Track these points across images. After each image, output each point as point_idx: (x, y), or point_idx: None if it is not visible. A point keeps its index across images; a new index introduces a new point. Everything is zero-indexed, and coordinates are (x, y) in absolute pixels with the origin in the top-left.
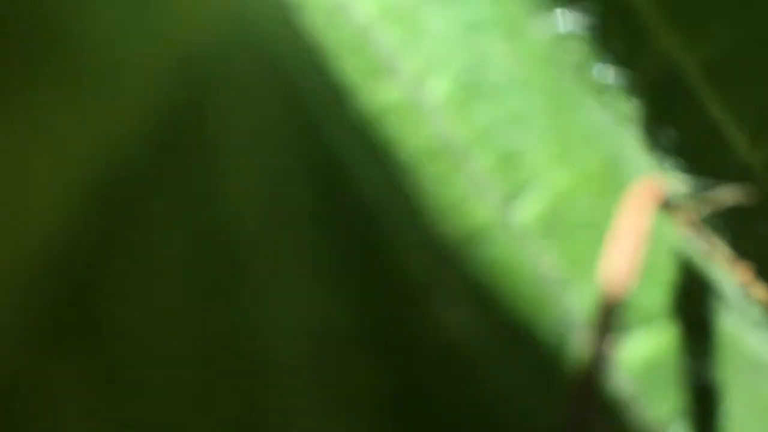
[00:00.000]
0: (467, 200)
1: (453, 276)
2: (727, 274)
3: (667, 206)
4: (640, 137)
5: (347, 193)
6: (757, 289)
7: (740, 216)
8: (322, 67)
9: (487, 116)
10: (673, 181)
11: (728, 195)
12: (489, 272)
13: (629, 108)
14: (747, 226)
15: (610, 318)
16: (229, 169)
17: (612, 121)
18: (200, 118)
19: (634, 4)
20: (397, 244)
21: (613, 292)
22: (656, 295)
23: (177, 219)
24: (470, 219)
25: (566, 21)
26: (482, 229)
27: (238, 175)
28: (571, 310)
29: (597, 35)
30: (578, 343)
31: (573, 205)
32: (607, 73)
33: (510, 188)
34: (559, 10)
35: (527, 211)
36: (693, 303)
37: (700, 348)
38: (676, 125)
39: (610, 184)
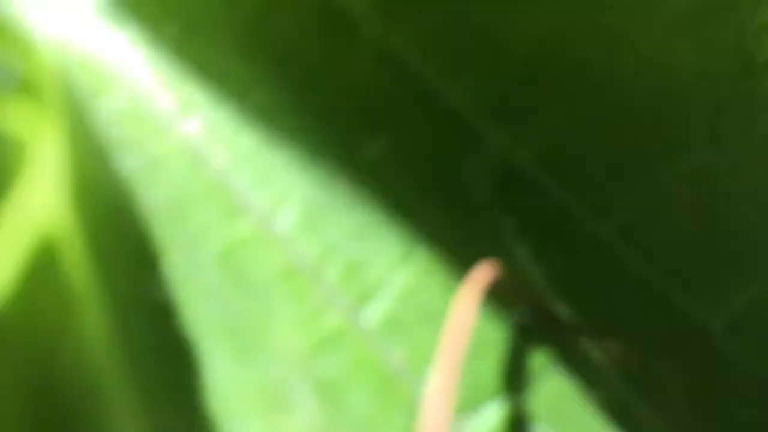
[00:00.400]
0: (320, 311)
1: (307, 382)
2: (573, 343)
3: (505, 286)
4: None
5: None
6: (604, 353)
7: (582, 284)
8: (179, 213)
9: (333, 234)
10: (517, 261)
11: (570, 267)
12: (342, 373)
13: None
14: (589, 294)
15: (448, 402)
16: (77, 314)
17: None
18: (53, 273)
19: (461, 112)
20: (258, 354)
21: (447, 378)
22: (493, 374)
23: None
24: (323, 328)
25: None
26: (334, 335)
27: (87, 321)
28: (422, 397)
29: (425, 144)
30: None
31: (417, 302)
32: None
33: (358, 295)
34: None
35: (376, 313)
36: (528, 377)
37: (536, 418)
38: (521, 210)
39: (454, 276)
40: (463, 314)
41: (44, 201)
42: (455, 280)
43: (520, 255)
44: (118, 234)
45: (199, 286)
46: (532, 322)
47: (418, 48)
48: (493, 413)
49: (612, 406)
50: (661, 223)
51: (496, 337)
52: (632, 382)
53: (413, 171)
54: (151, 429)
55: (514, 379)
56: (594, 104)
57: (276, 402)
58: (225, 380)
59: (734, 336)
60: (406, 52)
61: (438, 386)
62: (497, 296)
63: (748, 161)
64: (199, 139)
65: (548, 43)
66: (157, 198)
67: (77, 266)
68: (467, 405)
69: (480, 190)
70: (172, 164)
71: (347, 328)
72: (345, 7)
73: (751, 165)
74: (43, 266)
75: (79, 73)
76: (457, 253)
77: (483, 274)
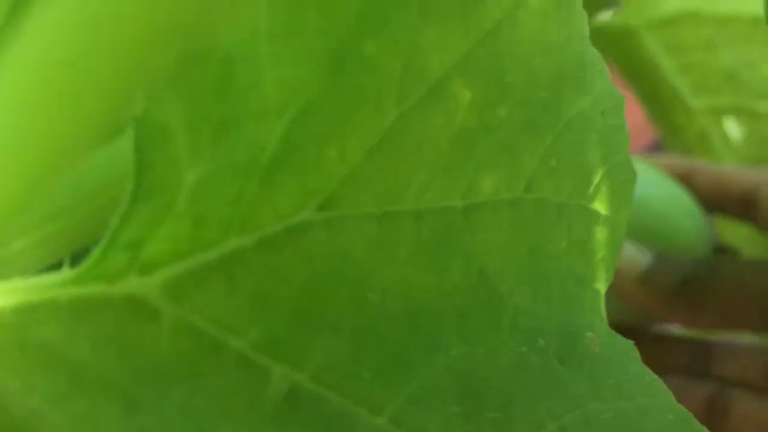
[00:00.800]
0: None
1: None
2: None
3: None
4: None
5: None
6: None
7: None
8: None
9: None
10: None
11: None
12: None
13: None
14: None
15: None
16: None
17: None
18: None
19: (249, 356)
20: None
21: None
22: None
23: None
24: None
25: None
26: None
27: None
28: None
29: (221, 384)
30: None
31: None
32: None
33: None
34: None
35: None
36: None
37: None
38: (306, 422)
39: None
40: None
41: None
42: None
43: None
44: None
45: None
46: None
47: (206, 315)
48: None
49: None
50: (430, 407)
51: None
52: None
53: (213, 405)
54: None
55: None
56: (355, 329)
57: None
58: None
59: None
60: (198, 321)
61: None
62: None
63: (497, 348)
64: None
65: (310, 292)
66: None
67: None
68: None
69: (269, 412)
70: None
71: None
72: (147, 300)
73: (501, 350)
74: None
75: None
76: None
77: None
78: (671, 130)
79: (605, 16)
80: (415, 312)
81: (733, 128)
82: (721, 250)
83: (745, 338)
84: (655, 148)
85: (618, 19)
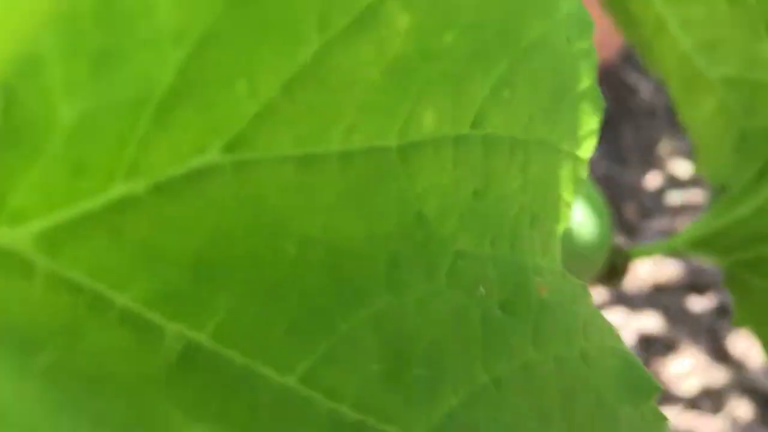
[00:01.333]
0: None
1: None
2: None
3: None
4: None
5: None
6: None
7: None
8: None
9: None
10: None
11: (257, 421)
12: None
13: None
14: None
15: None
16: None
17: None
18: None
19: (137, 312)
20: None
21: None
22: None
23: None
24: None
25: None
26: None
27: None
28: None
29: (102, 345)
30: None
31: None
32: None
33: None
34: None
35: None
36: None
37: None
38: (201, 386)
39: None
40: None
41: None
42: None
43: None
44: None
45: None
46: None
47: (87, 269)
48: None
49: None
50: (347, 365)
51: None
52: None
53: (91, 370)
54: None
55: None
56: (266, 282)
57: None
58: None
59: None
60: (77, 275)
61: None
62: None
63: (431, 298)
64: None
65: (214, 243)
66: None
67: None
68: None
69: (160, 375)
70: None
71: None
72: (18, 253)
73: (435, 300)
74: None
75: None
76: None
77: None
78: (627, 20)
79: None
80: (338, 262)
81: (690, 12)
82: (618, 251)
83: None
84: (625, 58)
85: None
